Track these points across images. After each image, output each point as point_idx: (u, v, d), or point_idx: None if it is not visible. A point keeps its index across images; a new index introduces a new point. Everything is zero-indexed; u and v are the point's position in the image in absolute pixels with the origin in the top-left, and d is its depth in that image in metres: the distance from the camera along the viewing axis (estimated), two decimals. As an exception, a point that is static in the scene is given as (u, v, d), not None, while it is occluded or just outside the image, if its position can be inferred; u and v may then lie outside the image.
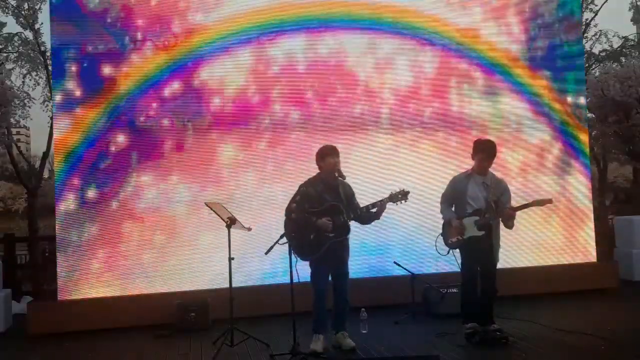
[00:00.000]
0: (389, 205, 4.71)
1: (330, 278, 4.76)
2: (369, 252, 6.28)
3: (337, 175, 4.74)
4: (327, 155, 4.73)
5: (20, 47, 13.04)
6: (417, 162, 6.55)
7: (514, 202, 5.07)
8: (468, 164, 5.22)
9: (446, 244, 4.97)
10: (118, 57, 6.15)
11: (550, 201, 5.03)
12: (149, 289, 6.04)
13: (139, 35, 6.20)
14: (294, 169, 6.21)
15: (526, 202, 5.00)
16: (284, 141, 6.36)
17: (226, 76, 6.33)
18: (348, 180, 4.87)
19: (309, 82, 6.46)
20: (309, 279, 4.67)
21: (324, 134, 6.28)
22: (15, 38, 13.10)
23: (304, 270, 4.58)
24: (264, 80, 6.39)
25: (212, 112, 6.30)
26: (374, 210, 4.66)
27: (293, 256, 4.50)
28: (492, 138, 5.49)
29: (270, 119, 6.36)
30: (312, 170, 4.90)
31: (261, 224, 5.79)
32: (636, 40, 16.17)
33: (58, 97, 6.15)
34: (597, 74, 11.91)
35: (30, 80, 12.69)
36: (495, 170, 5.12)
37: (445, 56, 6.70)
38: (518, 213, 4.90)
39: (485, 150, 4.92)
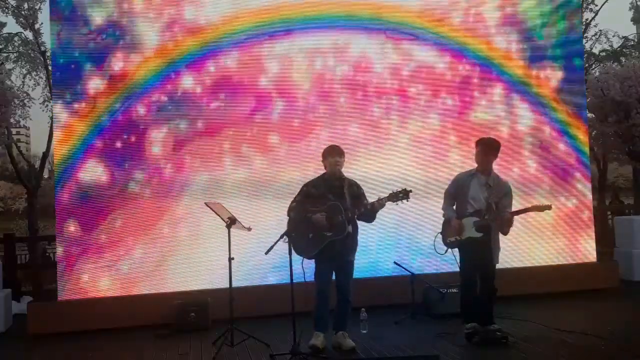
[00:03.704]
0: (392, 205, 4.70)
1: (333, 277, 4.77)
2: (369, 252, 6.27)
3: (339, 175, 4.75)
4: (329, 155, 4.74)
5: (20, 47, 13.07)
6: (419, 162, 6.54)
7: (515, 203, 5.05)
8: (469, 163, 5.21)
9: (444, 242, 4.97)
10: (119, 57, 6.14)
11: (549, 207, 4.96)
12: (149, 289, 6.04)
13: (140, 36, 6.19)
14: (296, 168, 6.21)
15: (525, 207, 4.95)
16: (286, 141, 6.36)
17: (227, 74, 6.33)
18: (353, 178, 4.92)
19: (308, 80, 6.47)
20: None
21: (327, 131, 6.31)
22: (15, 38, 13.14)
23: (309, 270, 4.60)
24: (265, 79, 6.39)
25: (213, 112, 6.29)
26: (369, 207, 4.65)
27: (298, 255, 4.50)
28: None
29: (273, 116, 6.38)
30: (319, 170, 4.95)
31: (262, 224, 5.80)
32: (636, 40, 16.19)
33: (58, 97, 6.16)
34: (597, 74, 11.92)
35: (30, 80, 12.76)
36: (495, 170, 5.11)
37: (442, 55, 6.69)
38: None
39: (481, 145, 4.93)
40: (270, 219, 5.86)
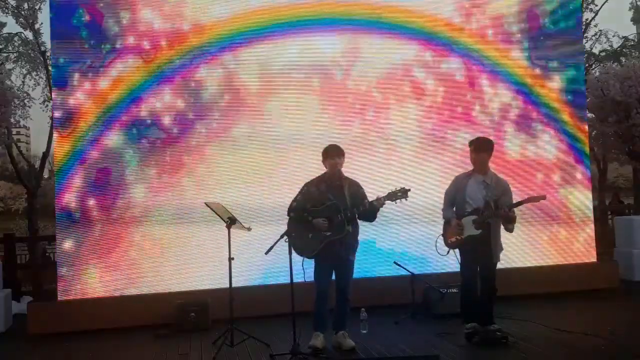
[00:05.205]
0: (391, 204, 4.70)
1: (333, 277, 4.77)
2: (369, 252, 6.27)
3: (339, 175, 4.75)
4: (328, 156, 4.75)
5: (20, 47, 13.07)
6: (418, 162, 6.53)
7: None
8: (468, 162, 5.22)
9: (446, 244, 4.97)
10: (119, 57, 6.15)
11: (543, 197, 5.05)
12: (149, 289, 6.05)
13: (140, 36, 6.20)
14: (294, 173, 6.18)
15: (520, 200, 4.96)
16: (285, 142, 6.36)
17: (226, 76, 6.34)
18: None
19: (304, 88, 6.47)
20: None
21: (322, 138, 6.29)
22: (15, 38, 13.14)
23: (309, 270, 4.62)
24: (259, 85, 6.39)
25: (212, 114, 6.29)
26: (367, 206, 4.65)
27: (298, 255, 4.51)
28: (492, 138, 5.46)
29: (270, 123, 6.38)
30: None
31: (262, 224, 5.81)
32: (636, 40, 16.21)
33: (58, 97, 6.16)
34: (597, 74, 11.93)
35: (30, 80, 12.75)
36: (495, 169, 5.12)
37: (442, 56, 6.68)
38: (518, 213, 4.88)
39: (473, 145, 4.96)
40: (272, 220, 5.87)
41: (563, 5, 7.04)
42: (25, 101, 11.23)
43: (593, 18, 14.42)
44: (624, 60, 14.13)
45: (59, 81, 6.16)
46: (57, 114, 6.17)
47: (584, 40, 12.56)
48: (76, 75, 6.10)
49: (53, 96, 6.58)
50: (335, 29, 6.47)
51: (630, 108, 10.19)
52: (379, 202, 4.64)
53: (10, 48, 13.24)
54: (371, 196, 4.75)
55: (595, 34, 14.82)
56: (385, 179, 6.19)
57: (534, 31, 6.90)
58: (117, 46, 6.16)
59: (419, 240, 6.38)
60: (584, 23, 13.26)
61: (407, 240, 6.44)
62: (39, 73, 12.73)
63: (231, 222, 4.94)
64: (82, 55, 6.11)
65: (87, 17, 6.12)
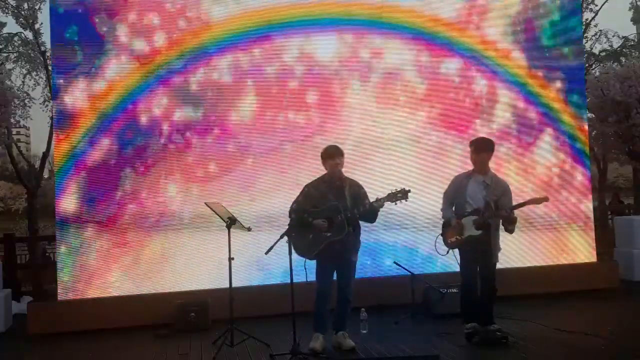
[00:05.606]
0: (391, 205, 4.69)
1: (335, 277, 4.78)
2: (369, 252, 6.27)
3: (340, 175, 4.75)
4: (328, 157, 4.74)
5: (20, 47, 13.06)
6: (417, 161, 6.53)
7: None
8: (468, 163, 5.22)
9: (445, 244, 4.97)
10: (118, 60, 6.15)
11: (546, 199, 5.04)
12: (149, 289, 6.05)
13: (139, 39, 6.20)
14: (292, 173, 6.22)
15: (522, 201, 4.96)
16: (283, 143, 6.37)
17: (225, 77, 6.35)
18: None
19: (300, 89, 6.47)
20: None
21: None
22: (15, 38, 13.13)
23: (311, 270, 4.62)
24: (256, 89, 6.39)
25: (212, 115, 6.29)
26: (368, 207, 4.64)
27: (299, 256, 4.52)
28: (492, 138, 5.46)
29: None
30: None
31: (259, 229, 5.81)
32: (636, 40, 16.21)
33: (58, 97, 6.16)
34: (597, 74, 11.94)
35: (30, 80, 12.73)
36: (494, 170, 5.12)
37: (442, 56, 6.68)
38: (518, 213, 4.88)
39: (473, 145, 4.97)
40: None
41: (563, 6, 7.03)
42: (25, 101, 11.23)
43: (593, 18, 14.42)
44: (624, 60, 14.13)
45: (59, 83, 6.16)
46: (56, 116, 6.17)
47: (584, 40, 12.56)
48: (76, 77, 6.10)
49: (53, 97, 6.58)
50: (335, 29, 6.47)
51: (630, 108, 10.20)
52: (378, 203, 4.63)
53: (10, 48, 13.23)
54: (371, 198, 4.75)
55: (595, 34, 14.82)
56: (385, 179, 6.19)
57: (534, 31, 6.90)
58: (116, 49, 6.16)
59: (417, 243, 6.39)
60: (584, 23, 13.26)
61: (406, 241, 6.44)
62: (39, 73, 12.71)
63: (231, 222, 4.94)
64: (82, 58, 6.11)
65: (86, 21, 6.11)
